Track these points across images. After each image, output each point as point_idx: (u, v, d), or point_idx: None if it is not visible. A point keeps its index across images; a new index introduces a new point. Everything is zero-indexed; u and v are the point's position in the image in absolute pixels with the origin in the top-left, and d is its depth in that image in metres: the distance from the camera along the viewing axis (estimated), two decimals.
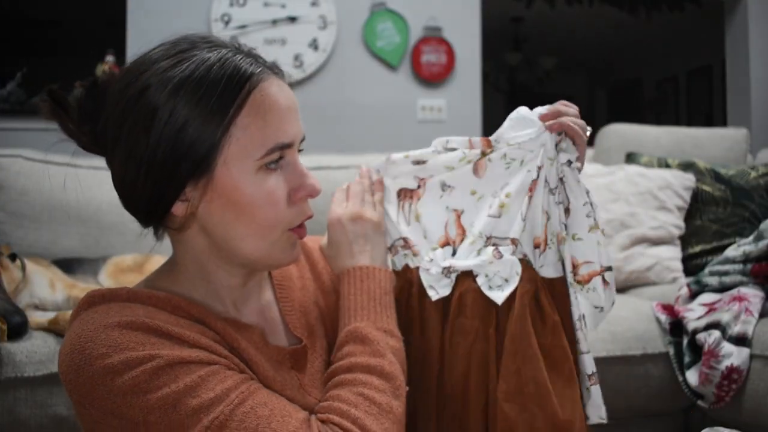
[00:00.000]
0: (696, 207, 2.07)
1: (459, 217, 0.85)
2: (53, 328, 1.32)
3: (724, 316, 1.43)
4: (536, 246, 0.82)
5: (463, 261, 0.83)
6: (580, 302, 0.83)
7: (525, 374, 0.77)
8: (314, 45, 3.02)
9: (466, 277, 0.82)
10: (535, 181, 0.80)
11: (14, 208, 1.72)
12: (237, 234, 0.70)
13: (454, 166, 0.85)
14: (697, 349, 1.47)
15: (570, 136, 0.80)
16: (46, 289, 1.43)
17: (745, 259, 1.54)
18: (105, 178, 1.82)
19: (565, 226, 0.82)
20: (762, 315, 1.45)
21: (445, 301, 0.83)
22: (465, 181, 0.85)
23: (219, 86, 0.66)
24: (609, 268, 0.82)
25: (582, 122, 0.81)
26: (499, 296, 0.80)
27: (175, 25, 2.85)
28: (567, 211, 0.82)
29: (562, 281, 0.83)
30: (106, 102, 0.70)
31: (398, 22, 3.11)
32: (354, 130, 3.08)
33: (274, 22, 2.98)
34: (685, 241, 2.05)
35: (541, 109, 0.81)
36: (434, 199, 0.86)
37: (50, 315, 1.35)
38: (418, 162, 0.87)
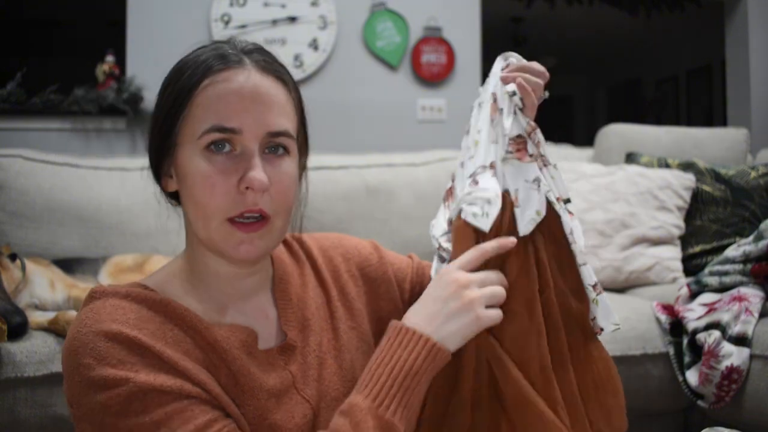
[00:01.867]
0: (696, 207, 2.07)
1: (450, 191, 0.87)
2: (53, 328, 1.32)
3: (724, 316, 1.43)
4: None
5: (443, 222, 0.83)
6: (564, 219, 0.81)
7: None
8: (314, 45, 3.02)
9: (457, 218, 0.80)
10: (492, 105, 0.82)
11: (14, 208, 1.72)
12: (189, 214, 0.74)
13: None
14: (697, 349, 1.47)
15: (521, 92, 0.80)
16: (46, 289, 1.43)
17: (745, 259, 1.54)
18: (105, 178, 1.84)
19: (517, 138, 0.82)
20: (762, 315, 1.45)
21: None
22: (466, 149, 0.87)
23: (187, 72, 0.73)
24: (568, 200, 0.82)
25: (536, 82, 0.81)
26: (485, 223, 0.76)
27: (175, 25, 2.87)
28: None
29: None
30: None
31: (398, 22, 3.11)
32: (354, 130, 3.08)
33: (274, 22, 2.98)
34: (685, 241, 2.05)
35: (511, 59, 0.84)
36: (461, 181, 0.86)
37: (50, 315, 1.35)
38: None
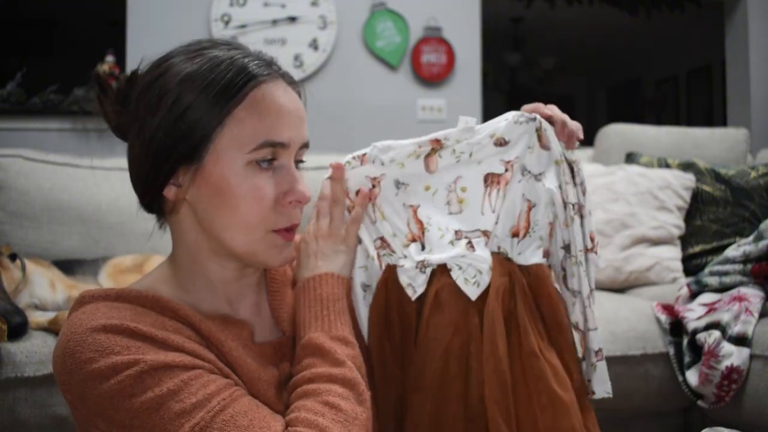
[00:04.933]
0: (696, 207, 2.07)
1: (415, 212, 0.86)
2: (53, 328, 1.33)
3: (724, 316, 1.43)
4: (514, 235, 0.83)
5: (437, 255, 0.83)
6: (592, 277, 0.84)
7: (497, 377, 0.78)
8: (314, 45, 3.02)
9: (442, 272, 0.83)
10: (497, 176, 0.83)
11: (14, 208, 1.72)
12: (220, 224, 0.72)
13: (404, 162, 0.87)
14: (697, 349, 1.47)
15: (552, 121, 0.83)
16: (46, 289, 1.43)
17: (745, 259, 1.54)
18: (105, 178, 1.83)
19: (579, 206, 0.84)
20: (762, 315, 1.45)
21: (420, 298, 0.84)
22: (418, 177, 0.87)
23: (223, 80, 0.70)
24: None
25: (577, 125, 0.84)
26: (473, 291, 0.81)
27: (175, 25, 2.87)
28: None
29: (540, 267, 0.83)
30: (135, 87, 0.75)
31: (398, 22, 3.11)
32: (354, 130, 3.08)
33: (274, 22, 2.98)
34: (685, 241, 2.05)
35: (518, 114, 0.85)
36: (391, 197, 0.87)
37: (50, 315, 1.35)
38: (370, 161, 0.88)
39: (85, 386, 0.64)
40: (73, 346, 0.65)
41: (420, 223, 0.86)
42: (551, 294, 0.83)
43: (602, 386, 0.84)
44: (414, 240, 0.86)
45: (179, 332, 0.69)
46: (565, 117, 0.85)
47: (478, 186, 0.84)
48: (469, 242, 0.82)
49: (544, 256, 0.84)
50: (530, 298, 0.82)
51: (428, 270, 0.83)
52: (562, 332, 0.83)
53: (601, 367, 0.84)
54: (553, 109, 0.85)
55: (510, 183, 0.83)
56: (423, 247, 0.85)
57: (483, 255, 0.81)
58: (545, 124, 0.83)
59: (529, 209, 0.83)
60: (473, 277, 0.81)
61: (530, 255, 0.83)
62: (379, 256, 0.87)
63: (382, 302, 0.85)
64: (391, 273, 0.86)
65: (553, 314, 0.82)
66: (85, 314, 0.67)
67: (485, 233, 0.83)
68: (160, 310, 0.71)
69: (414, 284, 0.84)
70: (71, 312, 0.71)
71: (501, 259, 0.82)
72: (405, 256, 0.85)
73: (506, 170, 0.83)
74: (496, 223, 0.83)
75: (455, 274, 0.82)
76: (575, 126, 0.85)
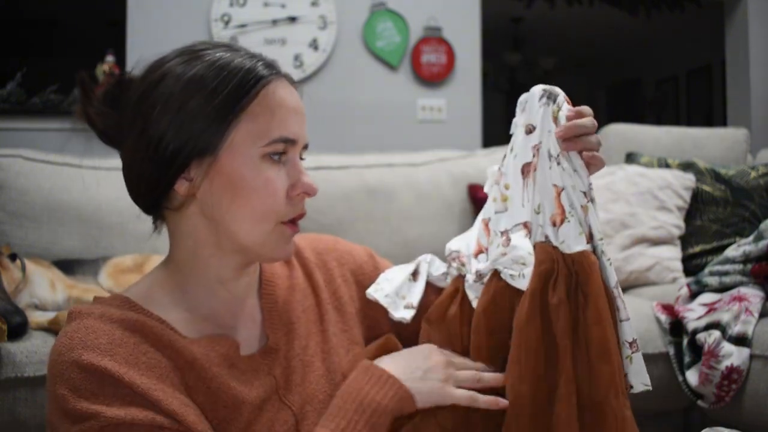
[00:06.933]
0: (696, 207, 2.07)
1: (486, 225, 0.87)
2: (53, 328, 1.33)
3: (724, 316, 1.43)
4: (553, 224, 0.79)
5: (483, 263, 0.83)
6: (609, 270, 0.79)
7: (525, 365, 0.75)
8: (314, 45, 3.02)
9: (495, 278, 0.81)
10: (528, 164, 0.81)
11: (14, 208, 1.72)
12: (232, 217, 0.73)
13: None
14: (697, 349, 1.47)
15: (588, 162, 0.81)
16: (46, 289, 1.43)
17: (745, 259, 1.54)
18: (105, 178, 1.83)
19: (585, 194, 0.80)
20: (762, 315, 1.45)
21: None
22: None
23: (235, 78, 0.72)
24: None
25: (597, 139, 0.81)
26: (522, 284, 0.77)
27: (175, 25, 2.87)
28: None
29: (583, 255, 0.77)
30: (129, 90, 0.75)
31: (398, 22, 3.11)
32: (354, 130, 3.08)
33: (274, 22, 2.98)
34: (685, 241, 2.05)
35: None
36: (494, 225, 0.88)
37: (50, 315, 1.35)
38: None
39: (58, 418, 0.67)
40: (54, 374, 0.68)
41: (488, 233, 0.86)
42: (596, 283, 0.76)
43: (640, 378, 0.80)
44: (480, 252, 0.87)
45: (153, 369, 0.69)
46: (599, 156, 0.82)
47: (518, 179, 0.82)
48: (506, 237, 0.81)
49: (588, 242, 0.78)
50: (575, 287, 0.76)
51: (485, 279, 0.83)
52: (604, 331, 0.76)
53: (638, 359, 0.80)
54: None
55: (538, 168, 0.80)
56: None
57: (521, 245, 0.79)
58: (563, 109, 0.79)
59: (558, 194, 0.79)
60: (519, 271, 0.78)
61: (573, 243, 0.78)
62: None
63: (457, 315, 0.85)
64: (459, 283, 0.88)
65: (597, 312, 0.75)
66: (67, 337, 0.69)
67: (525, 225, 0.81)
68: (142, 334, 0.71)
69: (477, 294, 0.83)
70: (64, 326, 0.73)
71: (545, 247, 0.78)
72: (470, 271, 0.86)
73: (534, 156, 0.80)
74: (538, 213, 0.80)
75: (504, 275, 0.80)
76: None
